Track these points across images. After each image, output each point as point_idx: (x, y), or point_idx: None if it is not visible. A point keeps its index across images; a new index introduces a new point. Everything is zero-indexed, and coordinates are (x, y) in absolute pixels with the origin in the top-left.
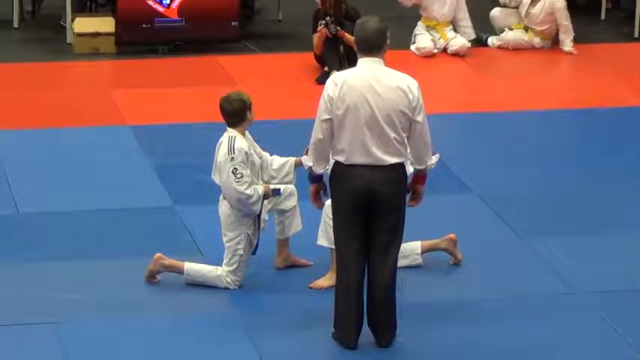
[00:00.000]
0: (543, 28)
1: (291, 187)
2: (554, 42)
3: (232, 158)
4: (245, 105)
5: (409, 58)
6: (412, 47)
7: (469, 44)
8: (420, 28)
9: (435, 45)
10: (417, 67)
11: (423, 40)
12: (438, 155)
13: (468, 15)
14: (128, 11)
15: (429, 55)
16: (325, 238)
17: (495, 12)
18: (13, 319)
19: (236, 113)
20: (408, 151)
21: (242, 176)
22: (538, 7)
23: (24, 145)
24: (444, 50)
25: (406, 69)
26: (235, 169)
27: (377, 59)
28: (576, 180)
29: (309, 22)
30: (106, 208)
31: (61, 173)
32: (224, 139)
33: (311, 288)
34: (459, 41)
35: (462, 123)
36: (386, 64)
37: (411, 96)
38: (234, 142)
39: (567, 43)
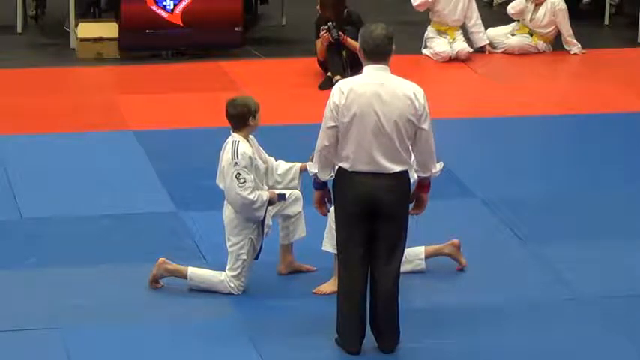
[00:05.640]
0: (547, 31)
1: (297, 192)
2: (556, 46)
3: (236, 163)
4: (249, 111)
5: (413, 63)
6: (425, 52)
7: (470, 49)
8: (431, 33)
9: (451, 50)
10: (422, 72)
11: (439, 45)
12: (442, 163)
13: (480, 21)
14: (132, 17)
15: (446, 60)
16: (330, 243)
17: (490, 32)
18: (15, 324)
19: (238, 118)
20: (412, 158)
21: (245, 181)
22: (541, 11)
23: (27, 150)
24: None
25: (411, 74)
26: (239, 174)
27: (383, 66)
28: (580, 185)
29: (313, 28)
30: (109, 213)
31: (64, 178)
32: (228, 144)
33: (315, 293)
34: (459, 45)
35: (465, 128)
36: (392, 70)
37: (417, 104)
38: (237, 146)
39: (573, 45)
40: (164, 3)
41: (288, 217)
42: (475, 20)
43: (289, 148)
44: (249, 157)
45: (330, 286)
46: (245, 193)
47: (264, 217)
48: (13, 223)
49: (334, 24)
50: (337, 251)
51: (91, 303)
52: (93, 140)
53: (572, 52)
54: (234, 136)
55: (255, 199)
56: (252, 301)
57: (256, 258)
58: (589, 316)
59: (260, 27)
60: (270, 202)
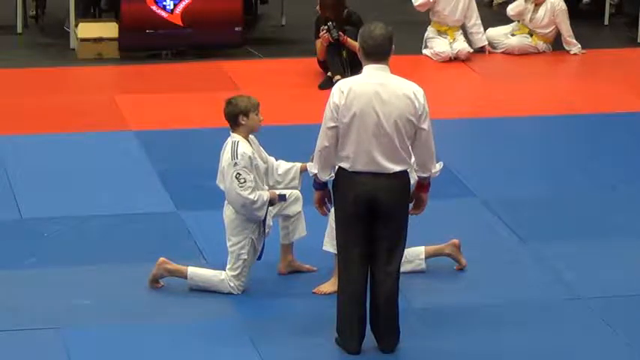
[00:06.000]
0: (547, 31)
1: (297, 192)
2: (556, 46)
3: (235, 163)
4: (237, 110)
5: (414, 63)
6: (425, 52)
7: (470, 49)
8: (431, 33)
9: (452, 50)
10: (422, 72)
11: (439, 45)
12: (441, 163)
13: (479, 21)
14: (132, 16)
15: (446, 60)
16: (331, 243)
17: (490, 32)
18: (15, 324)
19: (229, 117)
20: (412, 158)
21: (245, 181)
22: (541, 11)
23: (27, 150)
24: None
25: (411, 74)
26: (239, 174)
27: (383, 66)
28: (580, 185)
29: (313, 28)
30: (109, 213)
31: (65, 178)
32: (228, 144)
33: (315, 293)
34: (459, 45)
35: (466, 128)
36: (392, 70)
37: (417, 103)
38: (237, 146)
39: (573, 44)
40: (164, 3)
41: (288, 217)
42: (475, 21)
43: (289, 148)
44: (249, 157)
45: (330, 286)
46: (245, 193)
47: (265, 217)
48: (13, 223)
49: (334, 24)
50: (337, 251)
51: (91, 303)
52: (93, 140)
53: (572, 52)
54: (234, 136)
55: (255, 199)
56: (253, 301)
57: (259, 258)
58: (589, 316)
59: (260, 27)
60: (271, 202)
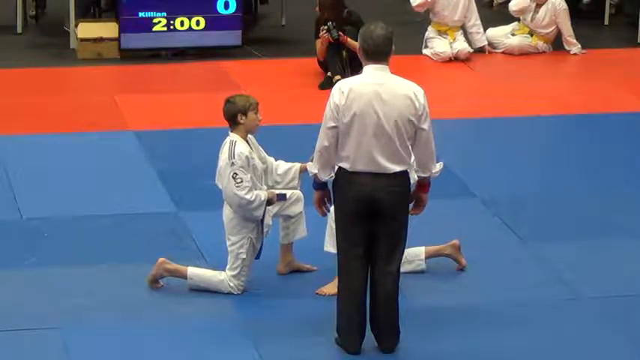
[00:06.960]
0: (548, 31)
1: (298, 192)
2: (556, 46)
3: (232, 163)
4: (235, 108)
5: (414, 63)
6: (425, 52)
7: (470, 49)
8: (431, 33)
9: (452, 50)
10: (422, 72)
11: (439, 45)
12: (441, 163)
13: (479, 21)
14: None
15: (446, 60)
16: (332, 244)
17: (490, 32)
18: (15, 324)
19: (228, 116)
20: (412, 158)
21: (242, 181)
22: (542, 11)
23: (27, 150)
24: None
25: (411, 74)
26: (235, 174)
27: (383, 66)
28: (580, 185)
29: (313, 27)
30: (109, 213)
31: (65, 178)
32: (226, 144)
33: (318, 294)
34: (459, 45)
35: (466, 128)
36: (392, 70)
37: (417, 103)
38: (234, 146)
39: (574, 44)
40: None
41: (289, 217)
42: (474, 21)
43: (289, 148)
44: (246, 157)
45: (333, 287)
46: (242, 193)
47: (264, 216)
48: (13, 223)
49: (334, 24)
50: (337, 251)
51: (91, 303)
52: (93, 140)
53: (572, 52)
54: (232, 136)
55: (252, 198)
56: (253, 301)
57: (257, 257)
58: (589, 316)
59: (260, 27)
60: (269, 202)
